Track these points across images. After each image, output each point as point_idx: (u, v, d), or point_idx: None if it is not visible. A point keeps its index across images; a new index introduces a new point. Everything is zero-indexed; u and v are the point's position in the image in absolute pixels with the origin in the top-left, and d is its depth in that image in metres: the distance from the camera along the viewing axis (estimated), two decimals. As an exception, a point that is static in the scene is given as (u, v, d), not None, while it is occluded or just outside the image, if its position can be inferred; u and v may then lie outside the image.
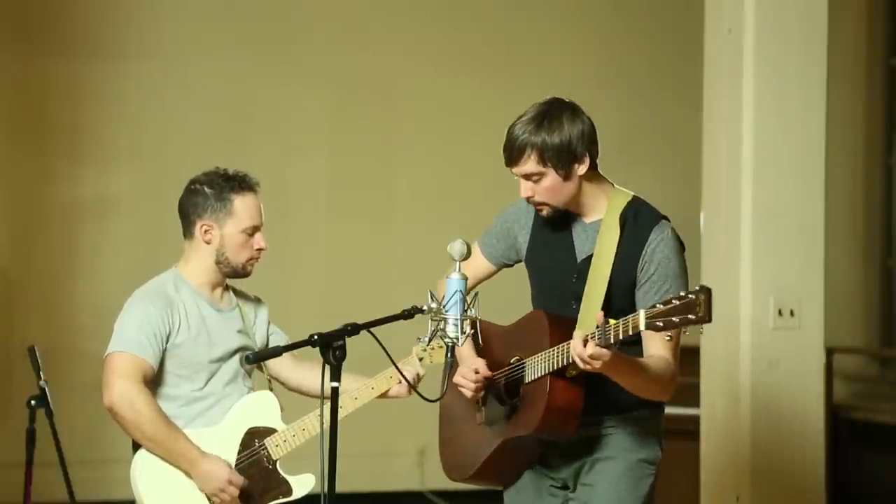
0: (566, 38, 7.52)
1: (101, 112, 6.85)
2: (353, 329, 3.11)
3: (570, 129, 3.24)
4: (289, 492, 3.81)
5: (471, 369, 3.38)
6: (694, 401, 5.27)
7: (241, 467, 3.77)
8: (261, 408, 3.86)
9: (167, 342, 3.74)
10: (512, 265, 3.54)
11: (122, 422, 3.70)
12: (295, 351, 3.98)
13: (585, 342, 3.01)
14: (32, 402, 3.98)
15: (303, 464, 3.86)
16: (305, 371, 3.98)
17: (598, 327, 3.01)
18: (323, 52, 7.23)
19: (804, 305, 5.23)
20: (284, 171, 7.00)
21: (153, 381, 3.76)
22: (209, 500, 3.72)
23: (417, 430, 6.92)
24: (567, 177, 3.24)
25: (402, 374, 3.59)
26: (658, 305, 2.91)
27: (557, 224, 3.35)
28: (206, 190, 3.81)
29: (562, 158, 3.22)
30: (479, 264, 3.54)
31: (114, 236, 6.93)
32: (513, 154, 3.27)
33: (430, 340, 3.18)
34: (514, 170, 3.28)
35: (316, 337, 3.08)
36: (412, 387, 3.68)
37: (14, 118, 6.77)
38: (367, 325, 3.14)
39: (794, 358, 5.22)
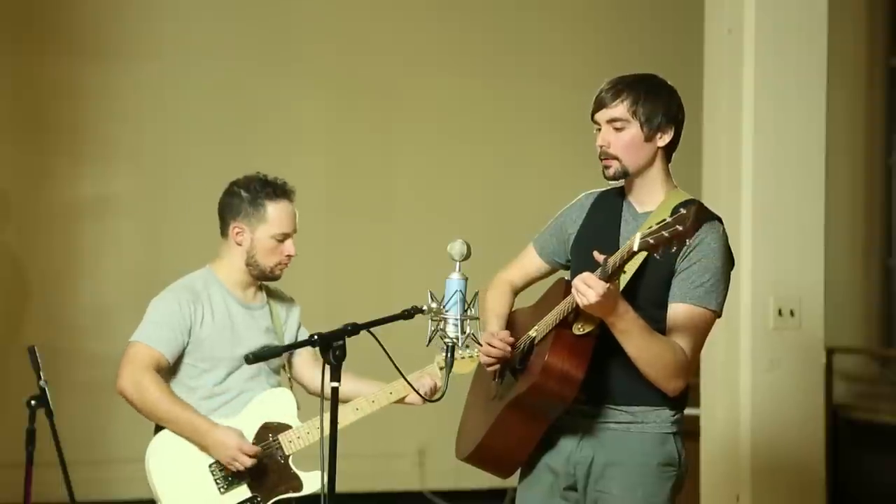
0: (566, 38, 7.53)
1: (101, 112, 6.85)
2: (353, 329, 3.12)
3: (669, 100, 3.24)
4: (299, 487, 3.88)
5: (492, 334, 3.32)
6: (694, 401, 5.27)
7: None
8: (278, 404, 3.93)
9: (190, 335, 3.86)
10: (566, 267, 3.45)
11: (133, 405, 3.83)
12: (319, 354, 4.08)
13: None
14: (32, 402, 3.99)
15: (303, 462, 3.87)
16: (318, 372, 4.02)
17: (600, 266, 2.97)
18: (323, 52, 7.22)
19: (804, 305, 5.23)
20: (284, 171, 6.93)
21: (174, 372, 3.88)
22: (224, 483, 3.81)
23: (417, 430, 6.92)
24: (648, 138, 3.20)
25: (407, 380, 3.56)
26: (653, 225, 2.85)
27: (608, 213, 3.31)
28: (243, 193, 3.93)
29: (651, 118, 3.19)
30: (530, 260, 3.50)
31: (114, 236, 6.93)
32: (607, 96, 3.22)
33: (430, 341, 3.18)
34: (600, 114, 3.22)
35: (316, 337, 3.09)
36: (422, 397, 3.72)
37: (14, 118, 6.76)
38: (367, 325, 3.15)
39: (794, 358, 5.23)
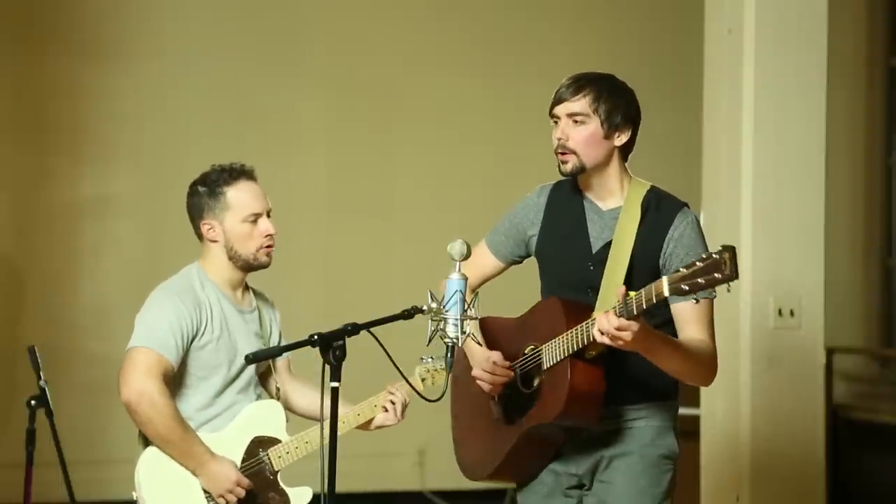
0: (566, 39, 7.52)
1: (101, 112, 6.84)
2: (353, 329, 3.11)
3: (629, 100, 3.28)
4: (287, 503, 3.79)
5: (488, 361, 3.33)
6: (694, 401, 5.27)
7: (244, 475, 3.75)
8: (266, 416, 3.83)
9: (191, 343, 3.70)
10: (521, 262, 3.48)
11: (137, 418, 3.64)
12: (291, 368, 4.01)
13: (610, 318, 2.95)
14: (32, 402, 3.98)
15: (304, 465, 3.86)
16: (295, 385, 3.97)
17: (618, 302, 2.96)
18: (323, 52, 7.22)
19: (804, 305, 5.23)
20: (284, 171, 6.99)
21: (173, 380, 3.71)
22: (215, 500, 3.70)
23: (417, 430, 6.87)
24: (607, 136, 3.23)
25: (407, 380, 3.52)
26: (681, 269, 2.86)
27: (570, 213, 3.31)
28: (200, 189, 3.79)
29: (612, 115, 3.22)
30: (486, 262, 3.50)
31: (114, 236, 6.92)
32: (569, 89, 3.25)
33: (429, 341, 3.17)
34: (560, 108, 3.25)
35: (316, 337, 3.08)
36: (420, 395, 3.68)
37: (14, 118, 6.76)
38: (367, 325, 3.14)
39: (794, 358, 5.22)
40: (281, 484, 3.78)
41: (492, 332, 3.45)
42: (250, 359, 3.34)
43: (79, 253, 6.84)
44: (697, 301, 2.94)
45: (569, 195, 3.33)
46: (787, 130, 5.23)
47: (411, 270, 6.59)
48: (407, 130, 7.36)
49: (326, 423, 3.76)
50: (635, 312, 2.93)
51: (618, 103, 3.24)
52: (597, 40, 7.47)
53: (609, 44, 7.38)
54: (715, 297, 3.19)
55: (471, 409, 3.52)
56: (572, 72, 3.41)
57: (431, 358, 3.93)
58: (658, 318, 3.17)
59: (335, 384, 3.06)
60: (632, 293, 2.94)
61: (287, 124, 7.12)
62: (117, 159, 6.97)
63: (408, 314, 3.17)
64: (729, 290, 2.98)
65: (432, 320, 3.13)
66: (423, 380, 3.93)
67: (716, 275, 2.80)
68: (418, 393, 3.56)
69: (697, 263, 2.83)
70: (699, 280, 2.82)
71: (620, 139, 3.24)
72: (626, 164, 3.30)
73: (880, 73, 7.80)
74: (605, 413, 3.22)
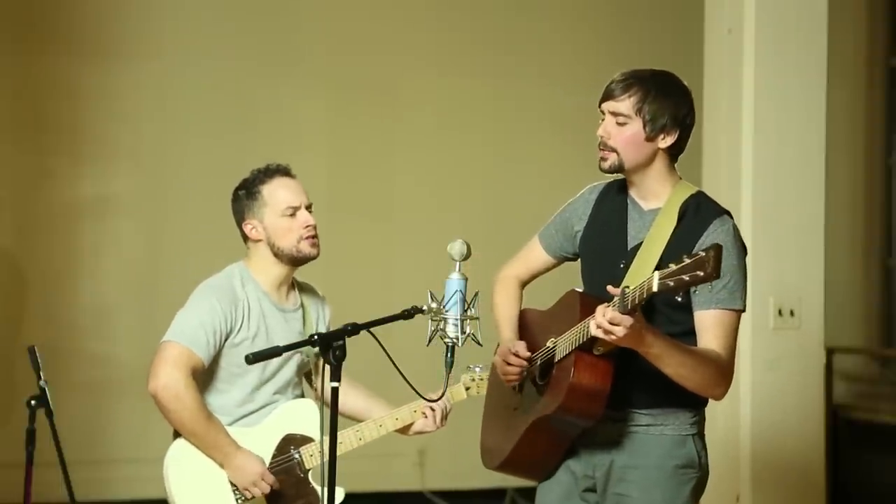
0: (566, 39, 7.52)
1: (101, 112, 6.84)
2: (353, 329, 3.11)
3: (678, 102, 3.21)
4: (316, 502, 3.80)
5: (505, 350, 3.33)
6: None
7: (272, 471, 3.78)
8: (300, 415, 3.86)
9: (226, 340, 3.77)
10: (574, 258, 3.44)
11: (163, 410, 3.71)
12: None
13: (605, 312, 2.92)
14: (32, 402, 3.98)
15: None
16: (348, 389, 3.97)
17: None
18: (323, 52, 7.22)
19: (804, 305, 5.23)
20: (284, 171, 6.99)
21: (207, 375, 3.78)
22: (241, 492, 3.74)
23: (417, 430, 6.91)
24: (650, 138, 3.17)
25: (408, 381, 3.50)
26: (671, 265, 2.82)
27: (613, 210, 3.29)
28: (240, 193, 3.90)
29: (656, 118, 3.16)
30: (536, 256, 3.49)
31: (114, 236, 6.92)
32: (617, 88, 3.19)
33: (430, 341, 3.17)
34: (606, 104, 3.20)
35: (316, 337, 3.09)
36: (419, 394, 3.67)
37: (14, 118, 6.76)
38: (367, 325, 3.15)
39: (794, 358, 5.23)
40: (312, 482, 3.82)
41: (528, 325, 3.44)
42: (250, 359, 3.35)
43: (79, 253, 6.83)
44: (680, 299, 2.87)
45: (615, 193, 3.32)
46: (787, 130, 5.24)
47: (411, 270, 6.61)
48: (407, 130, 7.35)
49: (364, 426, 3.84)
50: (629, 307, 2.90)
51: (664, 105, 3.17)
52: (597, 40, 7.46)
53: (609, 44, 7.38)
54: (741, 309, 3.16)
55: (498, 398, 3.52)
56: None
57: (479, 367, 3.92)
58: (682, 327, 3.15)
59: (335, 384, 3.07)
60: (629, 288, 2.91)
61: (287, 124, 7.11)
62: (117, 159, 6.97)
63: (408, 314, 3.17)
64: (711, 289, 2.94)
65: (432, 320, 3.13)
66: (466, 388, 3.95)
67: (698, 272, 2.76)
68: (417, 393, 3.56)
69: (685, 259, 2.79)
70: (684, 277, 2.78)
71: (665, 141, 3.19)
72: (674, 166, 3.25)
73: (880, 73, 7.80)
74: (618, 415, 3.20)
